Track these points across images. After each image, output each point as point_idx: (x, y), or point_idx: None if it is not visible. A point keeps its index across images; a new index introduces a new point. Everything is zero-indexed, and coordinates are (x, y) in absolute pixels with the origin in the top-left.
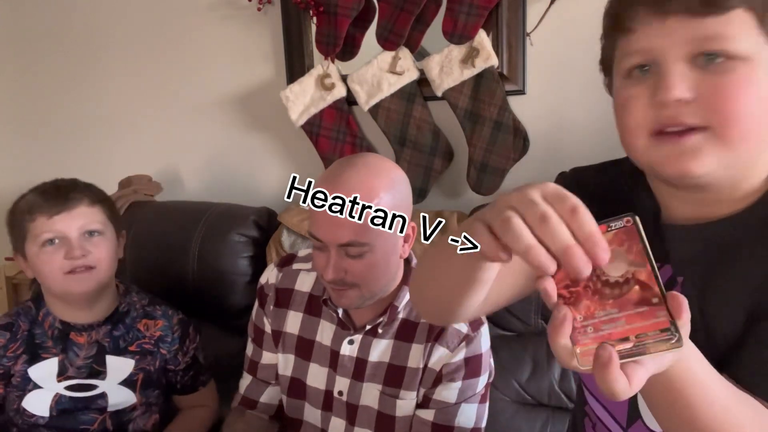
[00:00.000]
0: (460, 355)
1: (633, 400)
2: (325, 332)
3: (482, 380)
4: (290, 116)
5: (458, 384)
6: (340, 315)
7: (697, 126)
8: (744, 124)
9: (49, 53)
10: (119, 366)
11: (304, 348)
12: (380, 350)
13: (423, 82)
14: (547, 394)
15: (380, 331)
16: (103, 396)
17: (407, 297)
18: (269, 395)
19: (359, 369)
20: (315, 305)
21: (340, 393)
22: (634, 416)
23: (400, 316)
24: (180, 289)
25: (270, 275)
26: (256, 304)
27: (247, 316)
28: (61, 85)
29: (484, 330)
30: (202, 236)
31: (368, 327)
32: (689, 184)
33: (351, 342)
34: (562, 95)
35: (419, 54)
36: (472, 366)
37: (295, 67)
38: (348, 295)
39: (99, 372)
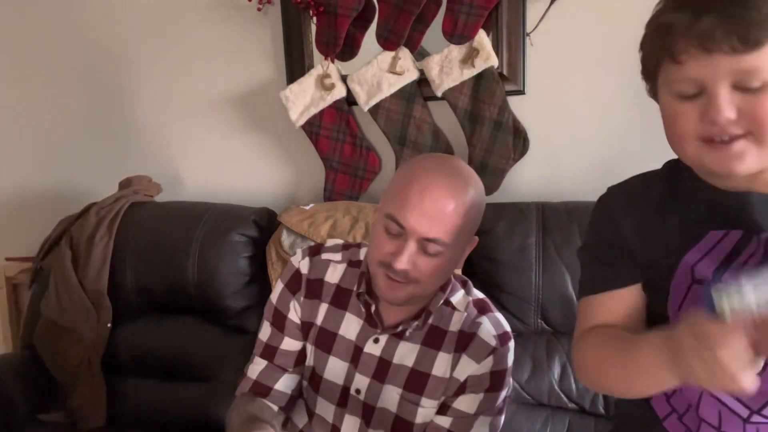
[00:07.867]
0: (486, 368)
1: None
2: (350, 326)
3: (503, 394)
4: (290, 116)
5: (480, 396)
6: (372, 311)
7: (740, 134)
8: None
9: (48, 53)
10: None
11: (325, 340)
12: (404, 353)
13: (423, 82)
14: (547, 394)
15: (408, 334)
16: None
17: (440, 302)
18: (284, 383)
19: (381, 370)
20: (341, 297)
21: (357, 391)
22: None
23: (430, 321)
24: (180, 289)
25: (302, 264)
26: (281, 287)
27: (247, 315)
28: (60, 86)
29: (511, 345)
30: (202, 236)
31: (400, 328)
32: (733, 178)
33: (376, 341)
34: (562, 95)
35: (419, 54)
36: (496, 380)
37: (295, 67)
38: (404, 289)
39: None
